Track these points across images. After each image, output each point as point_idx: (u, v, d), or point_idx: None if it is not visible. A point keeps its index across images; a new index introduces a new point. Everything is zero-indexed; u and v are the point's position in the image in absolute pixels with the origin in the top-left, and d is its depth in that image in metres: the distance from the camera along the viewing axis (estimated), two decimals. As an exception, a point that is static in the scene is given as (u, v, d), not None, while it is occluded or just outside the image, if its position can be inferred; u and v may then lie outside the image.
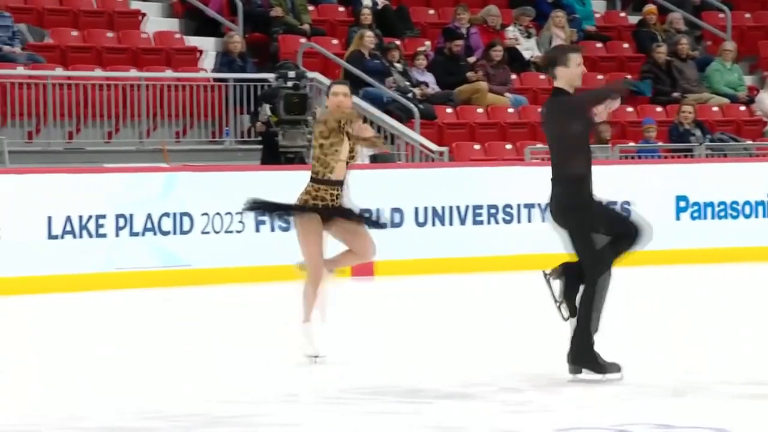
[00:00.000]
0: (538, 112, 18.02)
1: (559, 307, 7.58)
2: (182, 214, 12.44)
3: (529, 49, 18.94)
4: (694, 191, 14.48)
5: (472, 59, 18.15)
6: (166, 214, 12.36)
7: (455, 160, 16.04)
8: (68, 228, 11.97)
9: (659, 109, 18.70)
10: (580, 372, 7.53)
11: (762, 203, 14.81)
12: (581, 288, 7.58)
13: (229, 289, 12.20)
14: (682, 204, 14.49)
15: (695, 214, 14.50)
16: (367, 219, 8.68)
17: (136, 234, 12.23)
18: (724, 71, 19.31)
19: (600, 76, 19.28)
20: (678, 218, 14.45)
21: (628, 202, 14.25)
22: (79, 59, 16.03)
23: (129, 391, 7.57)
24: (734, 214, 14.65)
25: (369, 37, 17.10)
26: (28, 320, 10.70)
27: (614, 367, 7.53)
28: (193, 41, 17.13)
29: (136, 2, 17.58)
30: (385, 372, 8.10)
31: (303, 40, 17.36)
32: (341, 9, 18.72)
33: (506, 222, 13.78)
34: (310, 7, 18.24)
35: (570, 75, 7.69)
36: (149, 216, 12.29)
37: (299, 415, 6.94)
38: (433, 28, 18.87)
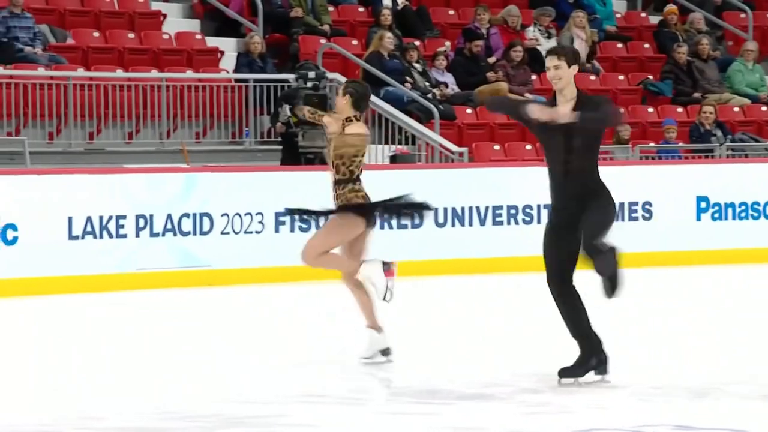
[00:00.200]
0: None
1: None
2: (202, 215, 12.46)
3: (550, 50, 18.92)
4: (714, 192, 14.43)
5: (492, 60, 18.13)
6: (186, 215, 12.39)
7: (475, 160, 16.02)
8: (89, 228, 12.00)
9: (680, 109, 18.65)
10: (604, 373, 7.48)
11: (783, 204, 14.76)
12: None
13: (249, 289, 12.21)
14: (703, 205, 14.44)
15: (716, 215, 14.45)
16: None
17: (157, 234, 12.25)
18: (745, 71, 19.24)
19: (621, 77, 19.26)
20: (699, 219, 14.40)
21: (648, 203, 14.23)
22: (100, 60, 16.08)
23: (148, 392, 7.59)
24: (755, 214, 14.60)
25: (388, 39, 17.10)
26: (48, 321, 10.74)
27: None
28: (213, 42, 17.17)
29: (156, 3, 17.63)
30: (403, 372, 8.10)
31: (323, 40, 17.38)
32: (361, 9, 18.73)
33: (526, 223, 13.76)
34: (330, 8, 18.26)
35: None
36: (169, 216, 12.31)
37: (317, 415, 6.94)
38: (453, 29, 18.87)
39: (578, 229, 7.35)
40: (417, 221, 8.84)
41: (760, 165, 15.85)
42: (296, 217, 8.72)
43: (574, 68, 7.47)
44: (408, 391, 7.49)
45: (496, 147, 16.72)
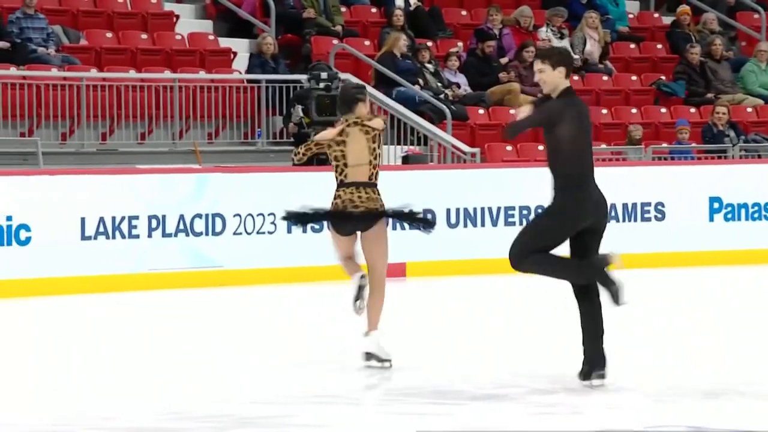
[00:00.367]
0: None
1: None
2: (214, 215, 12.48)
3: (562, 50, 18.89)
4: (727, 192, 14.41)
5: (504, 60, 18.13)
6: (199, 215, 12.40)
7: (487, 161, 16.01)
8: (101, 229, 12.02)
9: (693, 110, 18.62)
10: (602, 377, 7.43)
11: (796, 205, 14.72)
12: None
13: (260, 290, 12.22)
14: (716, 205, 14.42)
15: (729, 216, 14.42)
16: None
17: (169, 235, 12.27)
18: (758, 72, 19.21)
19: (633, 77, 19.23)
20: (711, 219, 14.38)
21: (661, 204, 14.21)
22: (113, 61, 16.11)
23: (159, 392, 7.60)
24: (768, 215, 14.58)
25: (404, 42, 17.11)
26: (60, 321, 10.76)
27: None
28: (226, 43, 17.19)
29: (169, 4, 17.66)
30: (415, 373, 8.09)
31: (335, 41, 17.38)
32: (374, 10, 18.73)
33: (538, 223, 13.74)
34: (343, 9, 18.26)
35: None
36: (181, 217, 12.33)
37: (329, 415, 6.94)
38: (466, 29, 18.86)
39: None
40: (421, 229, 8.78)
41: (773, 165, 15.81)
42: (294, 221, 8.68)
43: (561, 70, 7.38)
44: (420, 391, 7.48)
45: (509, 147, 16.71)
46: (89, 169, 13.53)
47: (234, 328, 10.26)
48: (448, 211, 13.41)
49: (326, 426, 6.69)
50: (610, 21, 19.65)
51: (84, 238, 11.94)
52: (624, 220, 13.98)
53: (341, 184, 8.26)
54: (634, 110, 18.34)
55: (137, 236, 12.12)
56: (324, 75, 15.27)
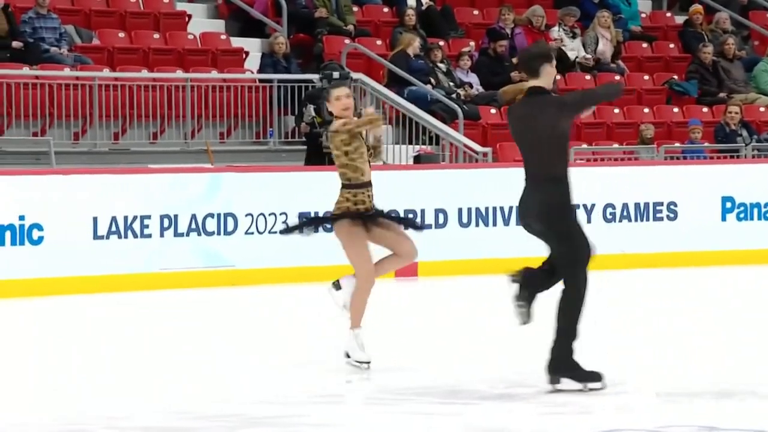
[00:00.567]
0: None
1: (518, 312, 7.41)
2: (226, 215, 12.49)
3: (574, 50, 18.88)
4: (740, 192, 14.38)
5: (516, 60, 18.11)
6: (211, 215, 12.41)
7: (499, 160, 16.00)
8: (113, 228, 12.04)
9: (705, 109, 18.58)
10: (559, 382, 7.24)
11: (809, 204, 14.68)
12: (543, 294, 7.42)
13: (272, 289, 12.23)
14: (728, 205, 14.39)
15: (741, 215, 14.39)
16: (406, 220, 8.66)
17: (181, 234, 12.28)
18: (771, 71, 19.17)
19: (646, 77, 19.20)
20: (724, 219, 14.35)
21: (673, 203, 14.18)
22: (126, 60, 16.13)
23: (169, 391, 7.61)
24: (781, 215, 14.54)
25: (418, 43, 17.11)
26: (72, 320, 10.78)
27: (595, 376, 7.22)
28: (238, 42, 17.20)
29: (181, 4, 17.68)
30: (426, 373, 8.09)
31: (347, 40, 17.39)
32: (386, 10, 18.73)
33: (550, 223, 13.73)
34: (355, 8, 18.27)
35: (553, 74, 7.35)
36: (194, 216, 12.34)
37: (338, 415, 6.95)
38: (478, 29, 18.85)
39: None
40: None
41: (786, 165, 15.77)
42: (294, 232, 8.66)
43: (554, 65, 7.35)
44: (431, 391, 7.48)
45: (521, 147, 16.68)
46: (101, 169, 13.56)
47: (243, 328, 10.27)
48: (460, 210, 13.40)
49: (338, 425, 6.69)
50: (622, 20, 19.62)
51: (96, 237, 11.96)
52: (636, 220, 13.96)
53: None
54: (646, 110, 18.31)
55: (149, 236, 12.13)
56: (336, 74, 15.27)
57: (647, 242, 13.93)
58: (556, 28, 18.86)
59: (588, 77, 18.71)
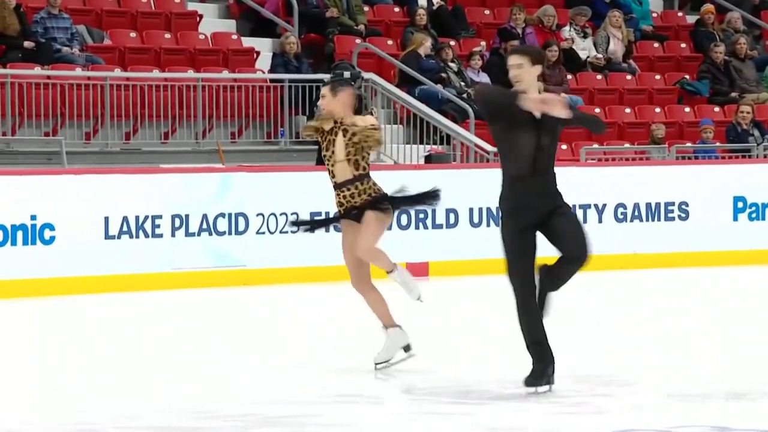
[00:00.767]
0: (595, 112, 18.01)
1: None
2: (237, 215, 12.49)
3: (585, 50, 18.87)
4: (752, 192, 14.35)
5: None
6: (222, 215, 12.42)
7: (510, 160, 15.96)
8: (125, 228, 12.05)
9: (717, 109, 18.56)
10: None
11: (821, 204, 14.65)
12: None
13: (283, 289, 12.23)
14: (740, 205, 14.37)
15: (753, 215, 14.37)
16: (419, 197, 8.42)
17: (192, 234, 12.29)
18: (783, 71, 19.14)
19: (657, 76, 19.17)
20: (736, 219, 14.33)
21: (684, 203, 14.16)
22: (137, 60, 16.16)
23: (182, 391, 7.61)
24: (793, 215, 14.51)
25: (430, 44, 17.10)
26: (84, 320, 10.79)
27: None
28: (249, 42, 17.22)
29: (192, 3, 17.70)
30: (438, 372, 8.09)
31: (358, 40, 17.39)
32: (396, 9, 18.73)
33: (561, 223, 13.72)
34: (366, 8, 18.27)
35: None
36: (205, 216, 12.35)
37: (352, 415, 6.94)
38: (489, 29, 18.84)
39: (545, 229, 7.24)
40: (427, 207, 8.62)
41: (798, 165, 15.74)
42: (302, 227, 8.61)
43: (537, 68, 7.25)
44: (443, 391, 7.48)
45: (532, 147, 16.65)
46: (113, 169, 13.58)
47: (253, 327, 10.27)
48: (471, 210, 13.40)
49: (350, 425, 6.68)
50: (633, 20, 19.60)
51: (108, 237, 11.98)
52: (648, 220, 13.94)
53: (368, 175, 8.16)
54: (657, 109, 18.29)
55: (160, 235, 12.15)
56: (347, 74, 15.27)
57: (659, 242, 13.91)
58: (567, 28, 18.85)
59: (599, 77, 18.70)
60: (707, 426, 6.48)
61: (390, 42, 17.85)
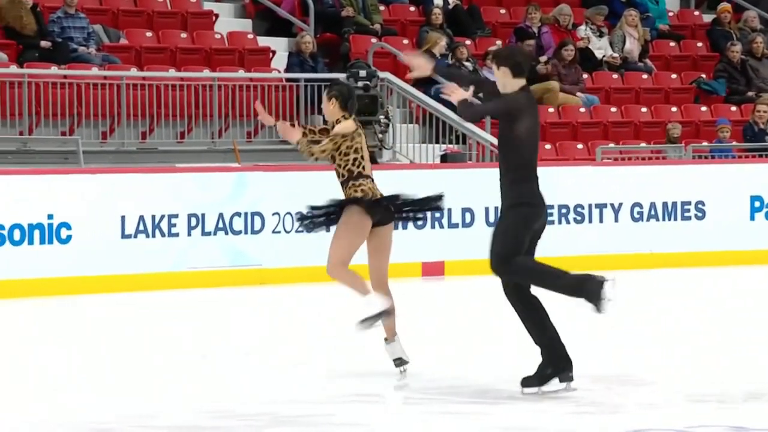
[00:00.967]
0: (611, 111, 17.99)
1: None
2: (253, 214, 12.51)
3: (601, 49, 18.83)
4: (769, 191, 14.32)
5: (543, 59, 18.07)
6: (238, 214, 12.44)
7: (526, 159, 15.95)
8: (141, 227, 12.07)
9: (733, 108, 18.50)
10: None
11: (838, 204, 14.60)
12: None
13: (299, 288, 12.24)
14: (757, 204, 14.33)
15: (770, 215, 14.33)
16: (421, 201, 8.39)
17: (208, 234, 12.31)
18: (800, 70, 19.08)
19: (674, 76, 19.13)
20: (752, 218, 14.29)
21: (701, 202, 14.13)
22: (153, 60, 16.18)
23: (199, 390, 7.62)
24: (810, 214, 14.47)
25: (444, 44, 17.08)
26: (100, 319, 10.81)
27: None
28: (265, 41, 17.23)
29: (208, 3, 17.72)
30: (453, 372, 8.08)
31: (374, 39, 17.39)
32: (412, 9, 18.73)
33: (577, 222, 13.71)
34: (381, 7, 18.27)
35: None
36: (221, 216, 12.37)
37: (366, 415, 6.94)
38: (505, 28, 18.82)
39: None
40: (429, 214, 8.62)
41: (814, 164, 15.69)
42: (308, 223, 8.55)
43: (504, 70, 7.32)
44: (458, 390, 7.47)
45: (548, 146, 16.65)
46: (129, 168, 13.60)
47: (274, 327, 10.27)
48: (487, 209, 13.39)
49: (365, 425, 6.68)
50: (650, 19, 19.56)
51: (124, 236, 12.00)
52: (664, 219, 13.91)
53: (360, 176, 8.08)
54: (674, 109, 18.24)
55: (177, 235, 12.17)
56: (362, 74, 15.27)
57: (675, 242, 13.88)
58: (583, 27, 18.82)
59: (615, 76, 18.66)
60: (724, 426, 6.46)
61: (405, 41, 17.85)
